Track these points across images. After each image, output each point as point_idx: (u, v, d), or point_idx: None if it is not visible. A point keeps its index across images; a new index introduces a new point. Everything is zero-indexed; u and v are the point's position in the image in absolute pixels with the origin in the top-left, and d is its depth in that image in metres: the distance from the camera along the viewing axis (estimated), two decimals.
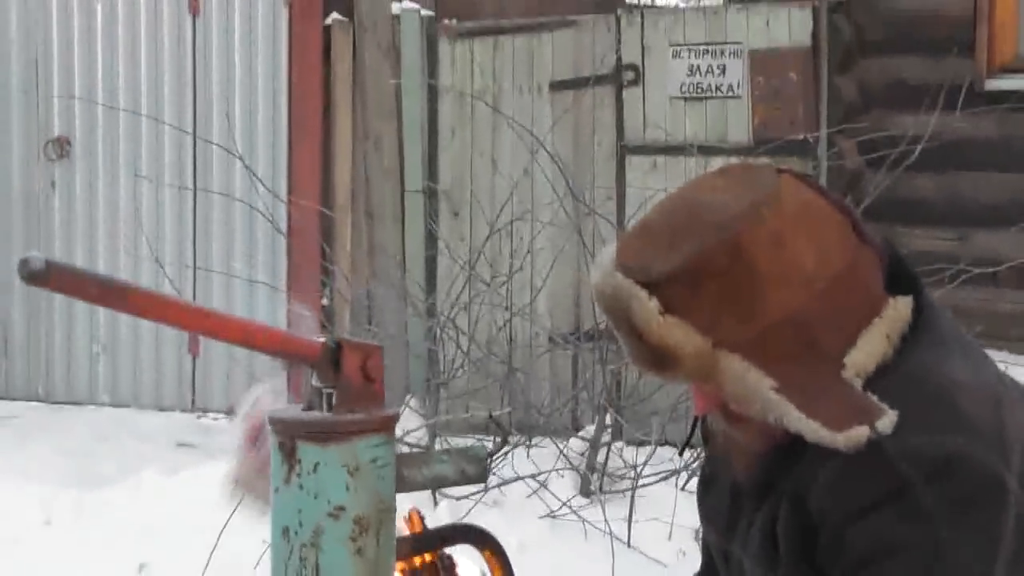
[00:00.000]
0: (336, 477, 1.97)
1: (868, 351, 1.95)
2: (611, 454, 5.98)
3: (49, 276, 1.71)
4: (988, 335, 7.48)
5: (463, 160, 8.28)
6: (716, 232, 1.92)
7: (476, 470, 2.18)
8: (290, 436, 2.00)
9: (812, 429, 1.90)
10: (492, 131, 8.06)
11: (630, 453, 5.98)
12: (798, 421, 1.91)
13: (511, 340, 7.25)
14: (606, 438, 5.99)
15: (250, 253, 8.38)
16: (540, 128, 7.73)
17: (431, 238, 8.04)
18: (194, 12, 8.49)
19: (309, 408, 2.04)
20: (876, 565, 1.88)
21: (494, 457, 5.56)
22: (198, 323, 1.88)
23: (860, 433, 1.88)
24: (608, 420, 5.99)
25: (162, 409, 8.56)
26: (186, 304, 1.87)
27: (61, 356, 8.88)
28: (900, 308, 1.99)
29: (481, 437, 6.03)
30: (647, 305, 1.92)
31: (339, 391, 2.02)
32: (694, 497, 2.43)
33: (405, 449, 5.51)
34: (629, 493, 5.51)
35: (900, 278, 2.03)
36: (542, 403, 6.66)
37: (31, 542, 5.40)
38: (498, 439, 2.02)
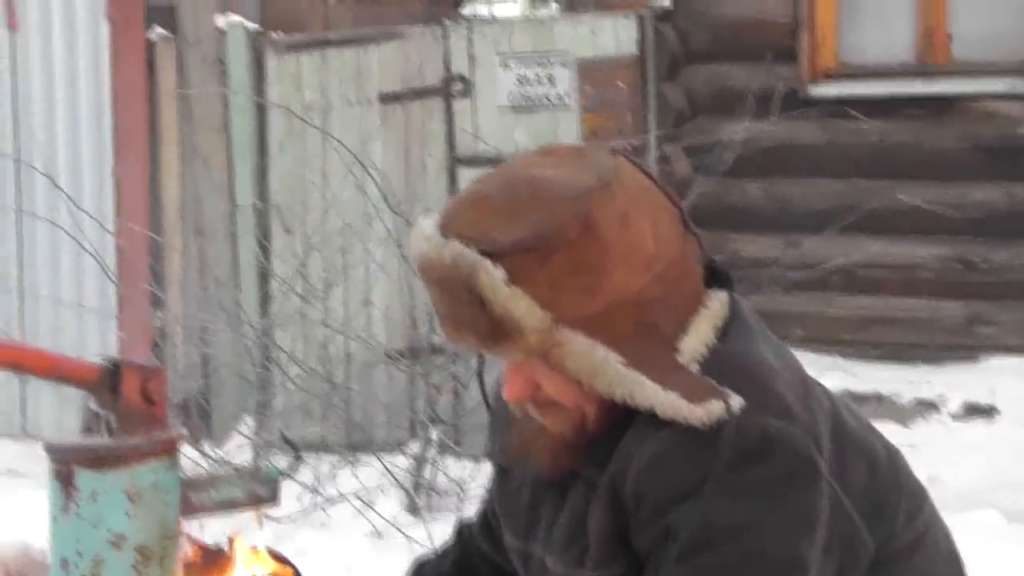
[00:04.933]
0: (116, 504, 1.91)
1: (699, 338, 1.97)
2: (438, 471, 5.94)
3: None
4: (818, 340, 7.58)
5: (294, 175, 8.19)
6: (568, 204, 1.90)
7: (268, 491, 2.13)
8: (66, 462, 1.93)
9: (669, 401, 1.89)
10: (323, 145, 7.97)
11: (457, 468, 5.94)
12: (654, 394, 1.90)
13: (346, 356, 7.19)
14: (433, 454, 5.96)
15: (78, 276, 8.19)
16: (370, 141, 7.66)
17: (263, 255, 7.94)
18: (12, 27, 8.29)
19: (88, 433, 1.97)
20: (703, 551, 1.87)
21: (321, 477, 5.52)
22: None
23: (716, 408, 1.88)
24: (435, 436, 5.97)
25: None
26: None
27: None
28: (720, 300, 2.02)
29: (310, 455, 5.96)
30: (493, 273, 1.88)
31: (118, 415, 1.95)
32: None
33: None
34: (456, 509, 5.46)
35: (712, 273, 2.05)
36: (373, 419, 6.60)
37: None
38: (295, 457, 1.97)
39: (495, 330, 1.91)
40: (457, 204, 1.98)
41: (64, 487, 1.92)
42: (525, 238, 1.89)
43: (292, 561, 2.22)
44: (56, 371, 1.92)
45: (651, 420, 1.91)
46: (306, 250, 6.88)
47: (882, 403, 7.37)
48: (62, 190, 7.39)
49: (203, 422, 7.66)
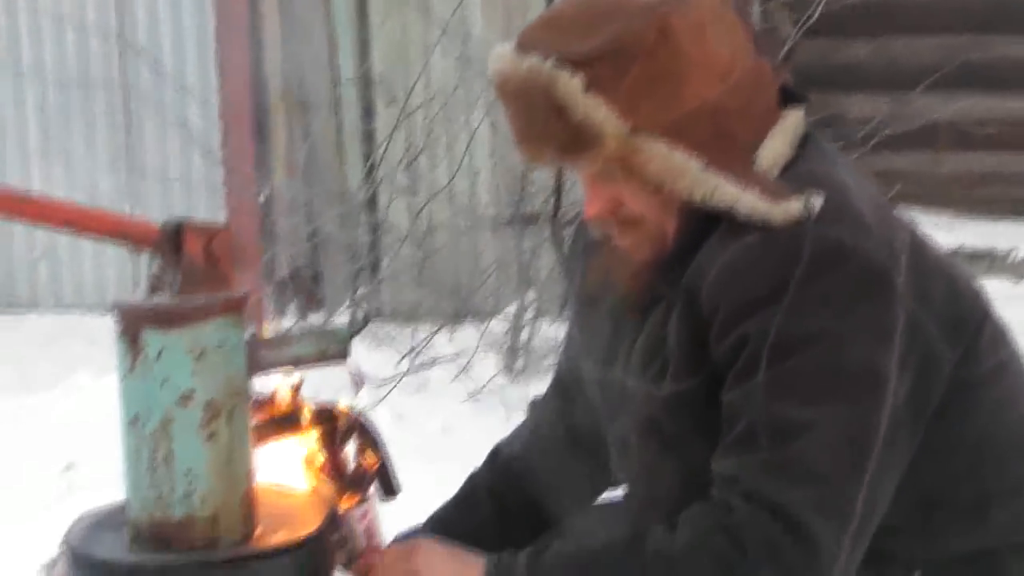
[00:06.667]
0: (182, 363, 1.93)
1: (774, 150, 1.99)
2: (535, 332, 5.98)
3: None
4: (928, 198, 7.47)
5: (398, 46, 8.15)
6: (644, 13, 1.92)
7: (337, 349, 2.13)
8: (132, 323, 1.95)
9: (748, 200, 1.91)
10: (424, 15, 7.92)
11: (552, 331, 5.96)
12: (733, 193, 1.92)
13: (449, 224, 7.19)
14: (529, 317, 6.00)
15: (185, 153, 8.25)
16: (471, 9, 7.58)
17: (367, 128, 7.95)
18: None
19: (153, 293, 1.99)
20: (781, 360, 1.89)
21: (418, 344, 5.54)
22: (18, 209, 1.82)
23: (794, 206, 1.90)
24: (531, 298, 6.02)
25: (107, 309, 8.45)
26: (4, 191, 1.81)
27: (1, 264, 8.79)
28: (796, 116, 2.04)
29: (416, 324, 6.05)
30: (571, 81, 1.90)
31: (182, 274, 1.96)
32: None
33: None
34: (550, 370, 5.49)
35: (787, 97, 2.07)
36: (474, 285, 6.64)
37: None
38: (364, 320, 1.99)
39: (574, 139, 1.93)
40: (533, 23, 2.01)
41: (131, 346, 1.94)
42: (602, 47, 1.91)
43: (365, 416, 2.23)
44: (118, 231, 1.94)
45: (729, 232, 1.93)
46: (400, 119, 6.87)
47: (994, 260, 7.26)
48: (166, 72, 7.44)
49: (312, 295, 7.73)
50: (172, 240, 1.95)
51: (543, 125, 1.94)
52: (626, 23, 1.92)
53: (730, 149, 1.95)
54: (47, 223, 1.85)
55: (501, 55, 1.99)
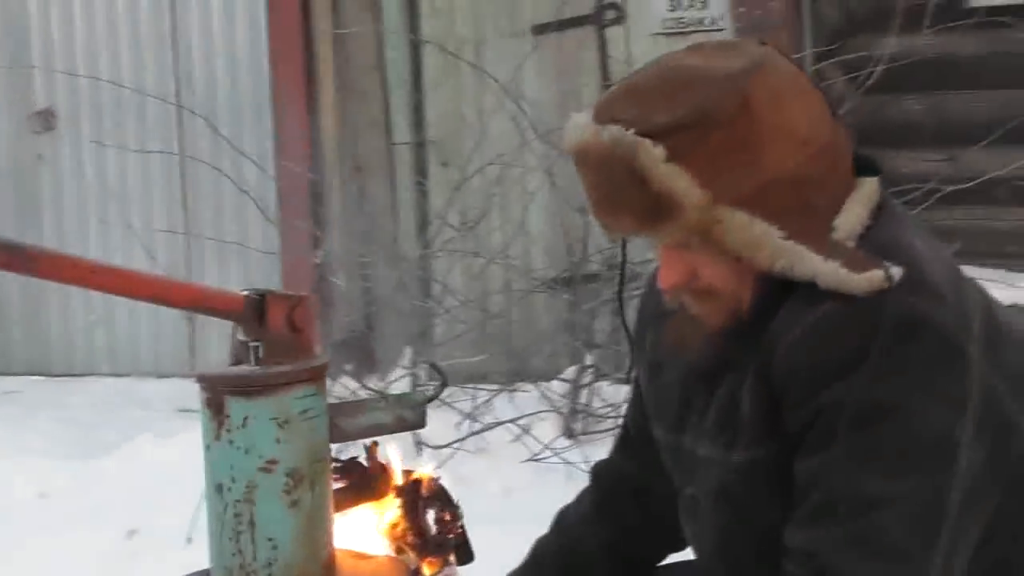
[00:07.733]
0: (266, 430, 1.96)
1: (853, 217, 1.99)
2: (593, 395, 5.98)
3: None
4: (983, 253, 7.43)
5: (451, 109, 8.21)
6: (724, 82, 1.93)
7: (414, 416, 2.16)
8: (217, 391, 1.98)
9: (830, 270, 1.91)
10: (478, 79, 7.99)
11: (612, 392, 5.97)
12: (814, 264, 1.92)
13: (505, 286, 7.21)
14: (588, 379, 6.00)
15: (241, 217, 8.32)
16: (525, 73, 7.63)
17: (421, 190, 8.00)
18: None
19: (237, 362, 2.02)
20: (857, 430, 1.88)
21: (479, 404, 5.53)
22: (109, 283, 1.86)
23: (877, 275, 1.90)
24: (590, 361, 6.02)
25: (162, 376, 8.53)
26: (95, 264, 1.84)
27: (58, 328, 8.87)
28: (871, 184, 2.04)
29: (476, 386, 6.05)
30: (652, 151, 1.90)
31: (265, 344, 1.99)
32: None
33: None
34: (611, 432, 5.51)
35: (859, 164, 2.07)
36: (531, 347, 6.65)
37: (25, 516, 5.40)
38: (441, 384, 2.00)
39: (654, 209, 1.94)
40: (611, 94, 2.01)
41: (216, 415, 1.97)
42: (683, 117, 1.91)
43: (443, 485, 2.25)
44: (204, 303, 1.96)
45: (804, 300, 1.93)
46: (461, 183, 6.91)
47: None
48: (222, 135, 7.51)
49: (367, 357, 7.76)
50: (256, 310, 1.98)
51: (623, 195, 1.95)
52: (706, 93, 1.92)
53: (810, 218, 1.96)
54: (131, 294, 1.88)
55: (580, 125, 1.99)
